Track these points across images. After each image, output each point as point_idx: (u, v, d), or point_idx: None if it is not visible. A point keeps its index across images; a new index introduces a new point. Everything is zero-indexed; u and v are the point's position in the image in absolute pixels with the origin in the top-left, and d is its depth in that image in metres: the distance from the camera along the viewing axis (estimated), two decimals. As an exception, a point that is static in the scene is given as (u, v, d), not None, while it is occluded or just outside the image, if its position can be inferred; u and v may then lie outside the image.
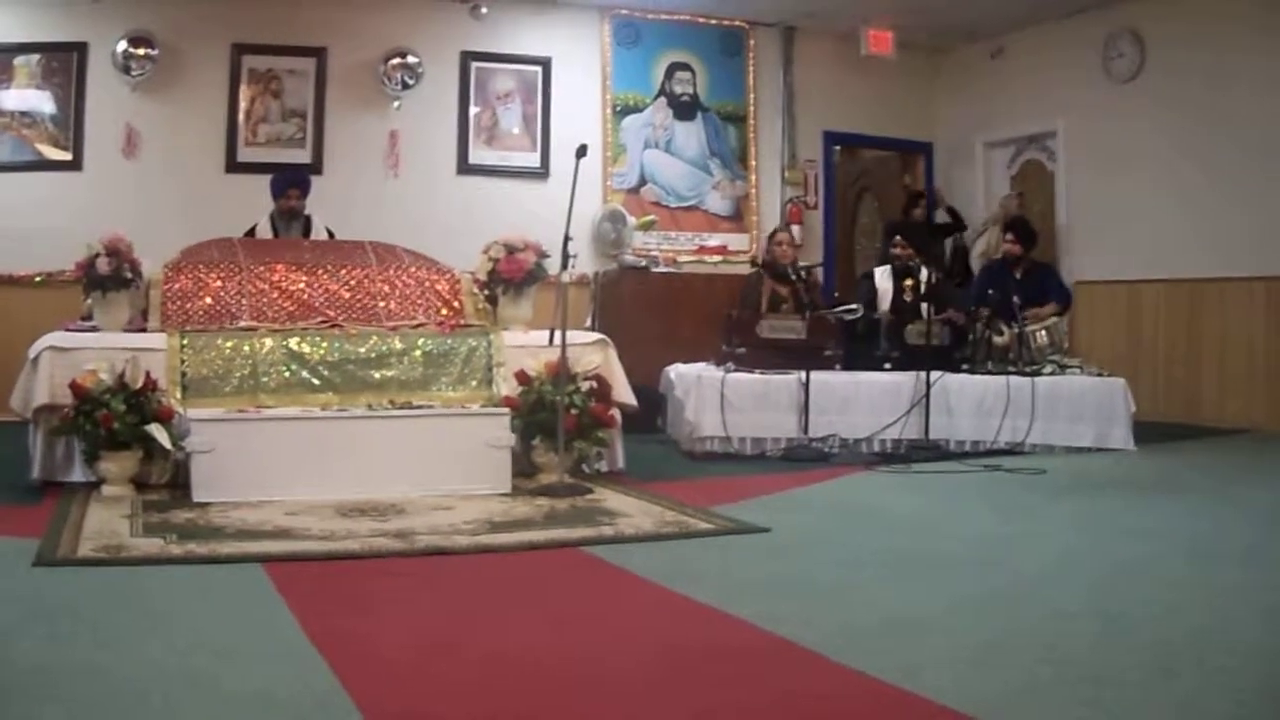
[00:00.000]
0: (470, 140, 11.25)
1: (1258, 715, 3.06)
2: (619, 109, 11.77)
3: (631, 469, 7.34)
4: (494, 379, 7.12)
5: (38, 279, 9.73)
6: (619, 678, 3.32)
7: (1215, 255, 10.18)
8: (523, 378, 6.92)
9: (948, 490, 6.88)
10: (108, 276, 6.86)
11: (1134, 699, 3.10)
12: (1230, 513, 6.10)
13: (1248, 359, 10.02)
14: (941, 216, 11.91)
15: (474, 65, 11.27)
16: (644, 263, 10.99)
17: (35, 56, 10.06)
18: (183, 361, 6.68)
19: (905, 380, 8.45)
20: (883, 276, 9.37)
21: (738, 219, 12.14)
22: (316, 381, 6.85)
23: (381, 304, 7.54)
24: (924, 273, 9.22)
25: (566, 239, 6.66)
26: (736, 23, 12.18)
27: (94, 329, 6.98)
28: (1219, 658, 3.47)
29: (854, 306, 8.96)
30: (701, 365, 8.58)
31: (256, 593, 4.21)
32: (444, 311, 7.63)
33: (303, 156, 10.64)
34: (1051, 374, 8.60)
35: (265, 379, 6.78)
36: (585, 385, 6.90)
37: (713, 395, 8.13)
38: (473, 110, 11.27)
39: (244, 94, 10.58)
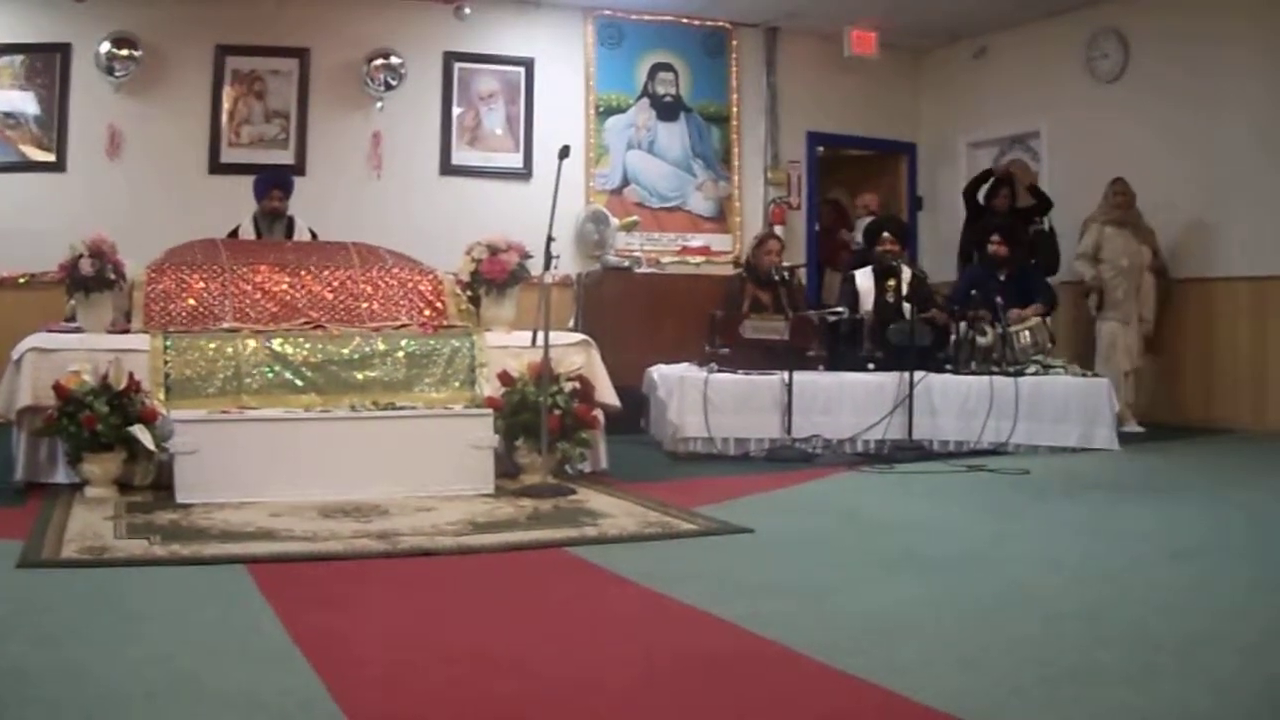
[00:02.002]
0: (453, 141, 11.25)
1: (1245, 715, 3.07)
2: (602, 110, 11.78)
3: (615, 470, 7.35)
4: (477, 380, 7.13)
5: (21, 280, 9.71)
6: (603, 679, 3.32)
7: (1199, 255, 10.20)
8: (505, 379, 6.92)
9: (931, 491, 6.90)
10: (91, 278, 6.85)
11: (1120, 699, 3.11)
12: (1216, 512, 6.12)
13: (1232, 359, 10.05)
14: (1025, 200, 11.18)
15: (457, 66, 11.28)
16: (627, 263, 11.01)
17: (19, 57, 10.05)
18: (166, 363, 6.67)
19: (889, 380, 8.48)
20: (864, 277, 9.38)
21: (720, 220, 12.16)
22: (299, 383, 6.84)
23: (364, 305, 7.54)
24: (905, 273, 9.26)
25: (549, 240, 6.67)
26: (719, 23, 12.20)
27: (77, 330, 6.96)
28: (1206, 657, 3.48)
29: (840, 309, 9.00)
30: (684, 366, 8.59)
31: (240, 594, 4.20)
32: (427, 312, 7.64)
33: (285, 157, 10.63)
34: (1035, 374, 8.62)
35: (248, 380, 6.77)
36: (568, 386, 6.90)
37: (696, 396, 8.15)
38: (455, 111, 11.27)
39: (227, 95, 10.57)
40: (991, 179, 11.17)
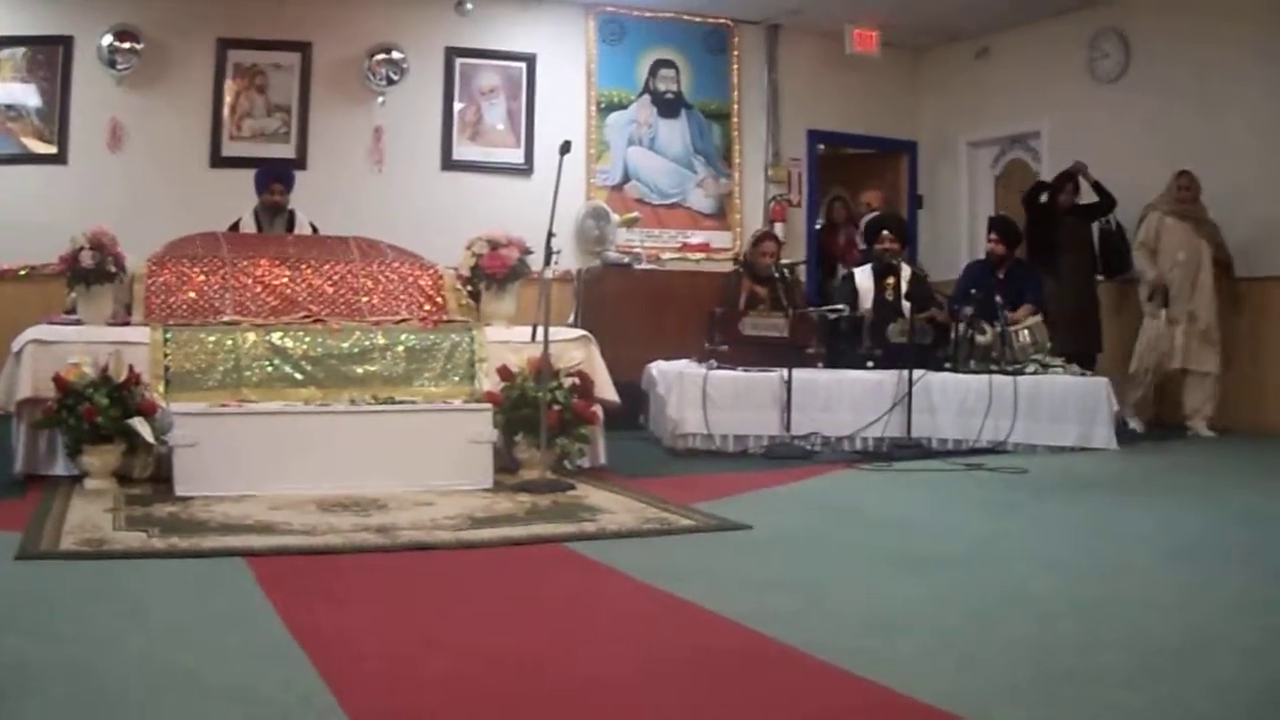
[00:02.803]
0: (454, 136, 11.25)
1: (1244, 716, 3.07)
2: (603, 106, 11.78)
3: (614, 465, 7.36)
4: (476, 375, 7.13)
5: (21, 272, 9.71)
6: (602, 675, 3.33)
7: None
8: (505, 374, 6.93)
9: (930, 489, 6.90)
10: (91, 270, 6.85)
11: (1117, 699, 3.10)
12: (1213, 513, 6.12)
13: (1231, 358, 10.03)
14: (1087, 196, 10.64)
15: (459, 61, 11.27)
16: (627, 260, 11.00)
17: (20, 50, 10.03)
18: (166, 355, 6.68)
19: (887, 378, 8.48)
20: (863, 276, 9.39)
21: (721, 217, 12.16)
22: (299, 376, 6.85)
23: (364, 299, 7.54)
24: (905, 271, 9.26)
25: (550, 235, 6.67)
26: (721, 20, 12.20)
27: (77, 322, 6.96)
28: (1205, 658, 3.49)
29: (840, 307, 8.99)
30: (684, 362, 8.60)
31: (239, 587, 4.21)
32: (427, 307, 7.64)
33: (287, 151, 10.63)
34: (1034, 373, 8.61)
35: (248, 373, 6.78)
36: (568, 381, 6.90)
37: (695, 392, 8.16)
38: (457, 106, 11.27)
39: (229, 88, 10.57)
40: (1047, 187, 10.75)
